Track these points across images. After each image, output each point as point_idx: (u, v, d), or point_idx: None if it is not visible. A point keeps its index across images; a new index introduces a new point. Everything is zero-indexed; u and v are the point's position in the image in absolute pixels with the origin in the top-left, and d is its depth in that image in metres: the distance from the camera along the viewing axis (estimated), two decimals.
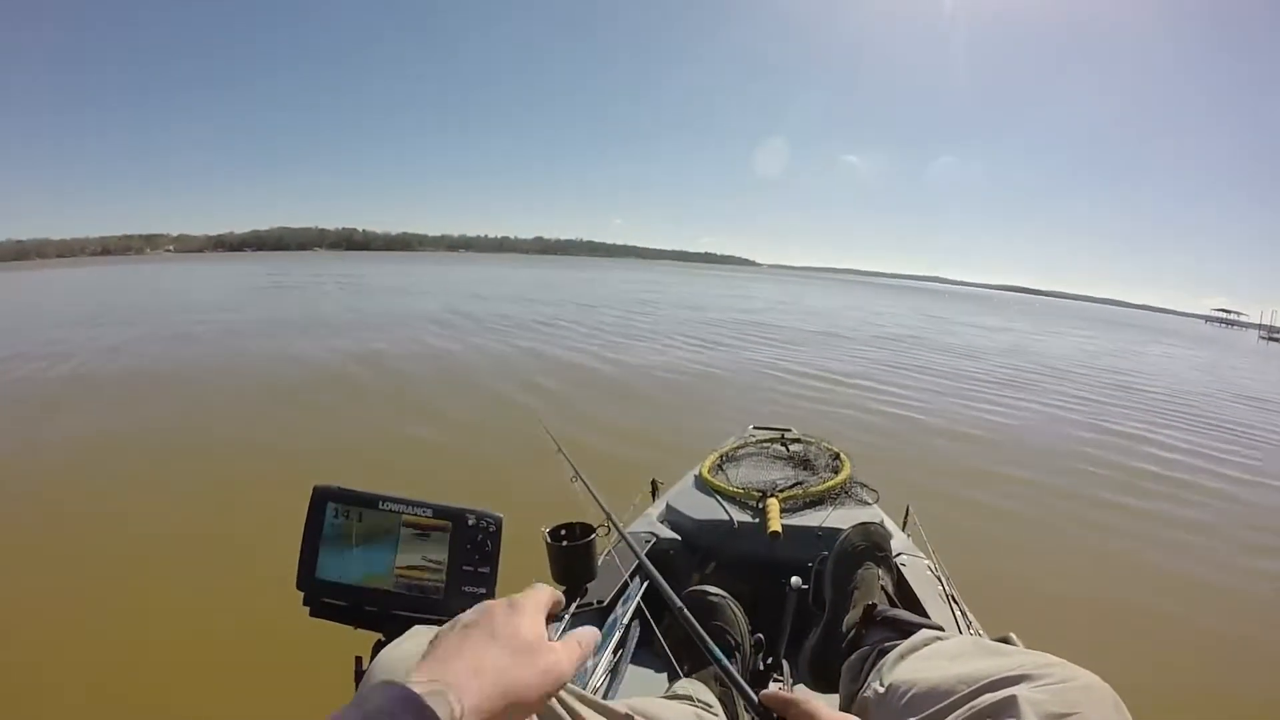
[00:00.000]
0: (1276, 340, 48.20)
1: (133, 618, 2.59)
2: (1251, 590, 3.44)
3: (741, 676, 0.75)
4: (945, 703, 0.73)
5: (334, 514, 0.75)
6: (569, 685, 0.58)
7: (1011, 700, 0.65)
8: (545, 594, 0.54)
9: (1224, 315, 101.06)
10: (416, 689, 0.40)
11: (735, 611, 1.22)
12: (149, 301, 18.28)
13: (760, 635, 1.24)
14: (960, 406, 7.45)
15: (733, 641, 1.19)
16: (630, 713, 0.72)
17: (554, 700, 0.58)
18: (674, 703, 0.86)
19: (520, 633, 0.47)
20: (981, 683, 0.71)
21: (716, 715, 0.89)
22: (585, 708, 0.64)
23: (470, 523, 0.76)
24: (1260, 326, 69.43)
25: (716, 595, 1.23)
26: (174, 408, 5.96)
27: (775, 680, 1.31)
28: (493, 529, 0.77)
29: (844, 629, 1.16)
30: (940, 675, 0.78)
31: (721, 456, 2.10)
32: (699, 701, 0.88)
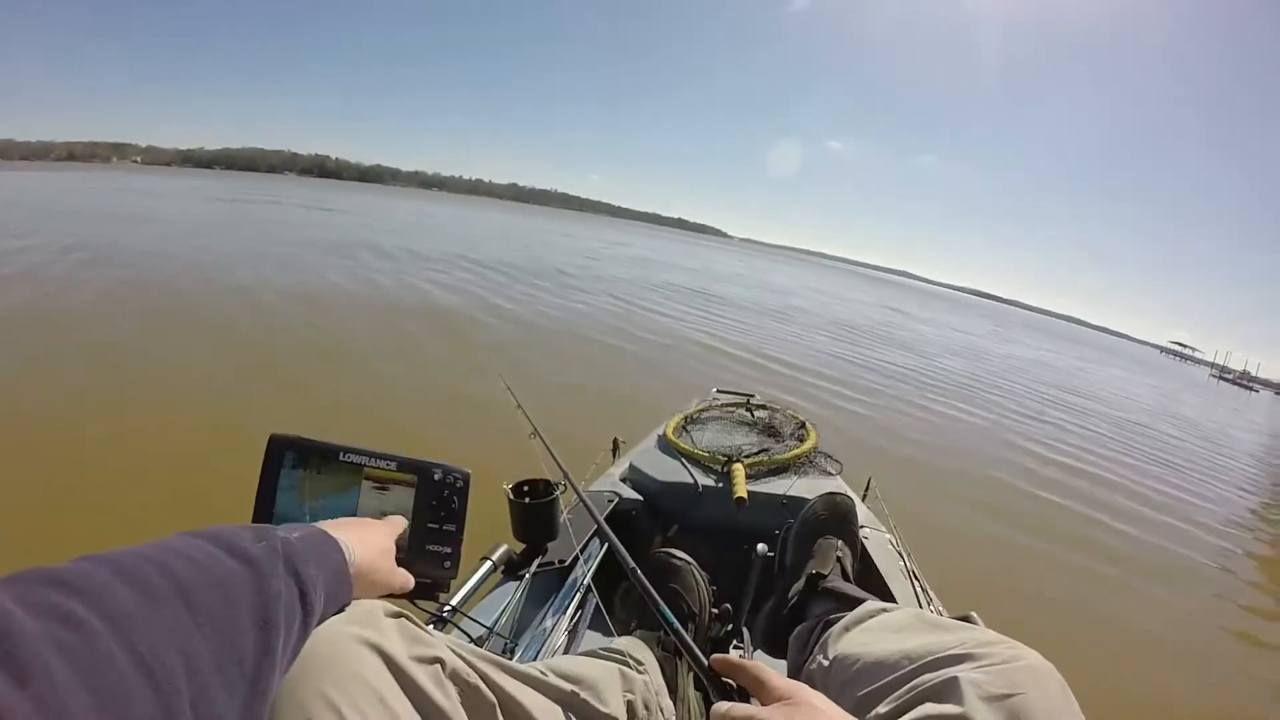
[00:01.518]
0: (1226, 380, 49.94)
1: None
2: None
3: (697, 643, 0.73)
4: (888, 679, 0.72)
5: (291, 464, 0.70)
6: (483, 650, 0.61)
7: (953, 681, 0.64)
8: (399, 522, 0.69)
9: (1180, 349, 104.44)
10: (329, 530, 0.55)
11: (697, 577, 1.19)
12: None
13: (728, 605, 1.21)
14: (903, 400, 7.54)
15: (688, 608, 1.15)
16: (545, 671, 0.68)
17: (466, 664, 0.56)
18: (595, 660, 0.82)
19: (377, 530, 0.63)
20: (923, 660, 0.70)
21: (645, 673, 0.85)
22: (498, 671, 0.60)
23: (436, 478, 0.73)
24: (1213, 365, 71.88)
25: (680, 559, 1.19)
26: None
27: (736, 648, 1.30)
28: (460, 485, 0.74)
29: (789, 597, 1.14)
30: (884, 650, 0.77)
31: (686, 419, 2.08)
32: (630, 658, 0.84)
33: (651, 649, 0.99)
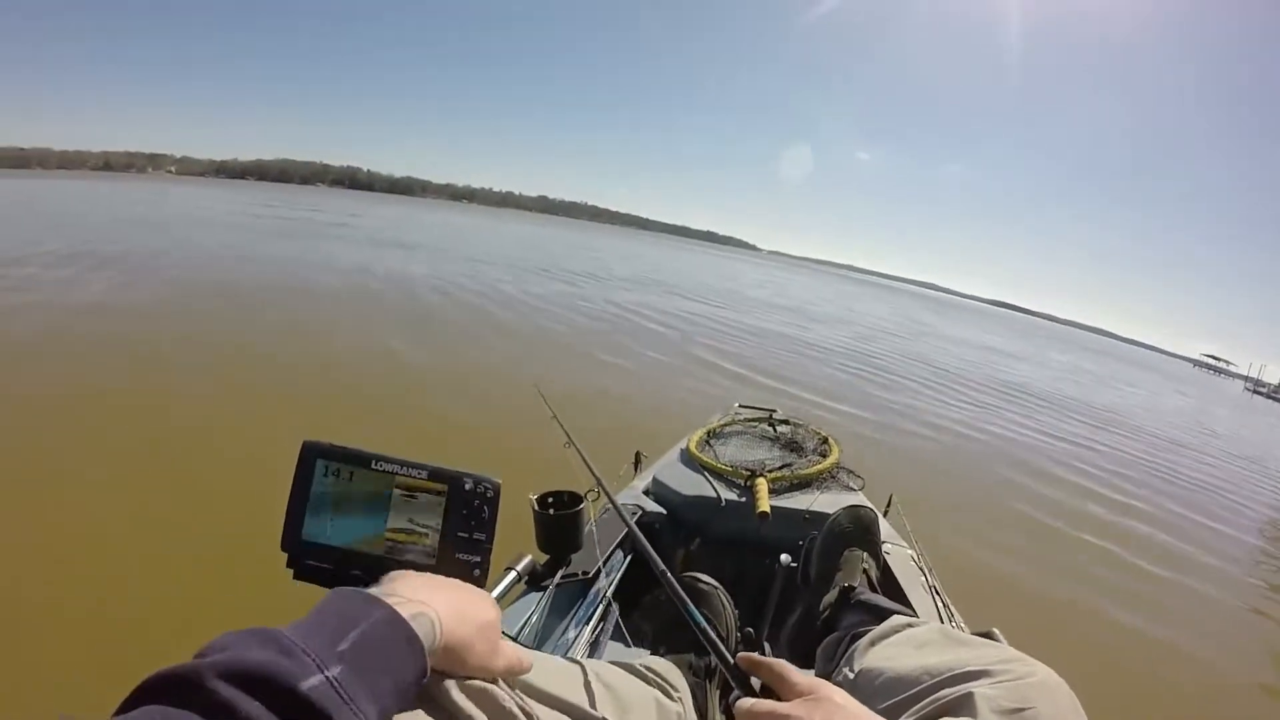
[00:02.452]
0: (1261, 394, 48.63)
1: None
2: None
3: (716, 669, 0.77)
4: (909, 693, 0.74)
5: (323, 472, 0.70)
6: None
7: (969, 697, 0.67)
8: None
9: (1212, 361, 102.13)
10: (402, 609, 0.46)
11: (724, 602, 1.19)
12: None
13: (750, 630, 1.22)
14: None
15: (718, 633, 1.16)
16: (589, 674, 0.70)
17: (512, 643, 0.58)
18: (637, 681, 0.83)
19: (471, 592, 0.58)
20: (943, 676, 0.73)
21: (680, 702, 0.86)
22: (541, 656, 0.65)
23: (467, 487, 0.73)
24: (1246, 378, 70.18)
25: (707, 584, 1.19)
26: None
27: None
28: (490, 495, 0.73)
29: (820, 609, 1.16)
30: (907, 665, 0.79)
31: (709, 433, 2.09)
32: (667, 683, 0.85)
33: (685, 675, 0.99)
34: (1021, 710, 0.64)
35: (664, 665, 0.95)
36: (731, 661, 0.67)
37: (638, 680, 0.82)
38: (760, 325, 12.75)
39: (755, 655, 0.65)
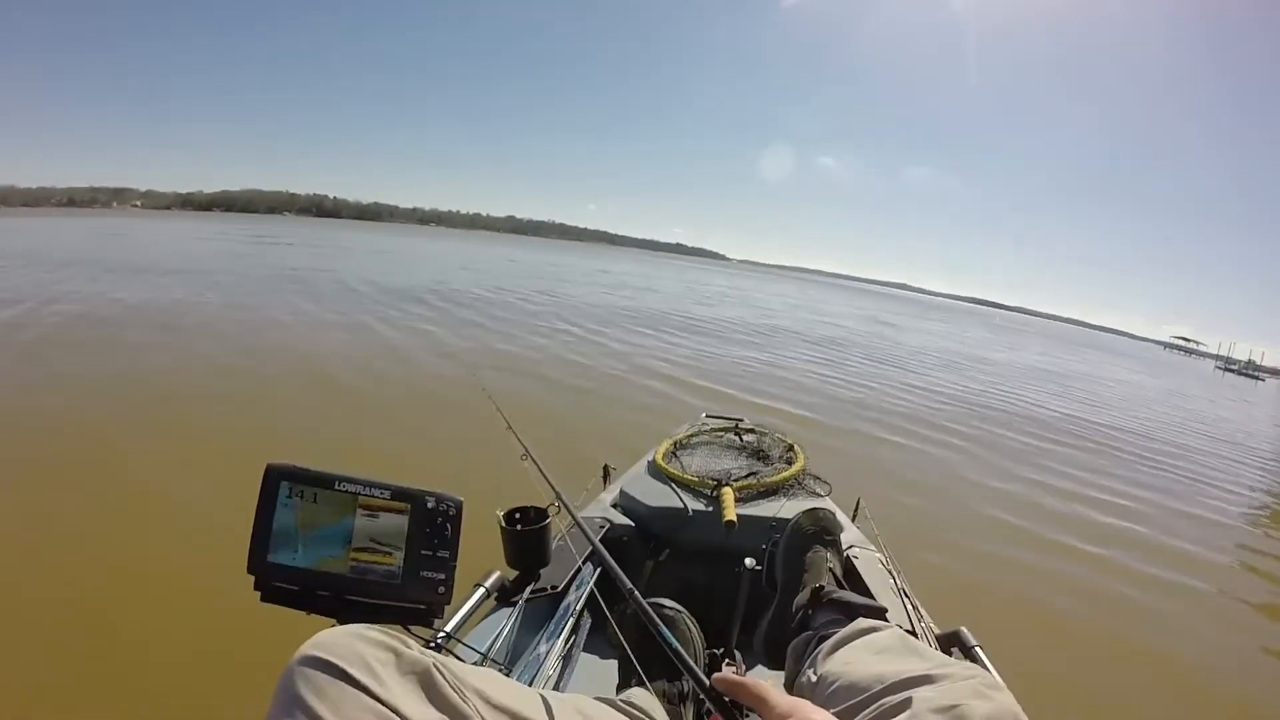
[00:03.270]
0: (1231, 371, 49.59)
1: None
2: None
3: (689, 692, 0.78)
4: (859, 698, 0.76)
5: (287, 494, 0.72)
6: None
7: (908, 700, 0.70)
8: None
9: (1183, 343, 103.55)
10: None
11: (689, 625, 1.18)
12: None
13: (717, 651, 1.24)
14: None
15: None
16: (575, 711, 0.71)
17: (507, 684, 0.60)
18: (621, 717, 0.83)
19: None
20: (891, 682, 0.75)
21: None
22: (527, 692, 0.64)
23: (430, 505, 0.75)
24: (1217, 357, 71.31)
25: (671, 609, 1.18)
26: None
27: (728, 665, 1.31)
28: (453, 512, 0.76)
29: (794, 610, 1.17)
30: (862, 671, 0.81)
31: (675, 444, 2.10)
32: (649, 716, 0.86)
33: (663, 705, 0.99)
34: (955, 707, 0.65)
35: (643, 697, 0.96)
36: (707, 684, 0.66)
37: (622, 716, 0.83)
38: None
39: (732, 676, 0.64)
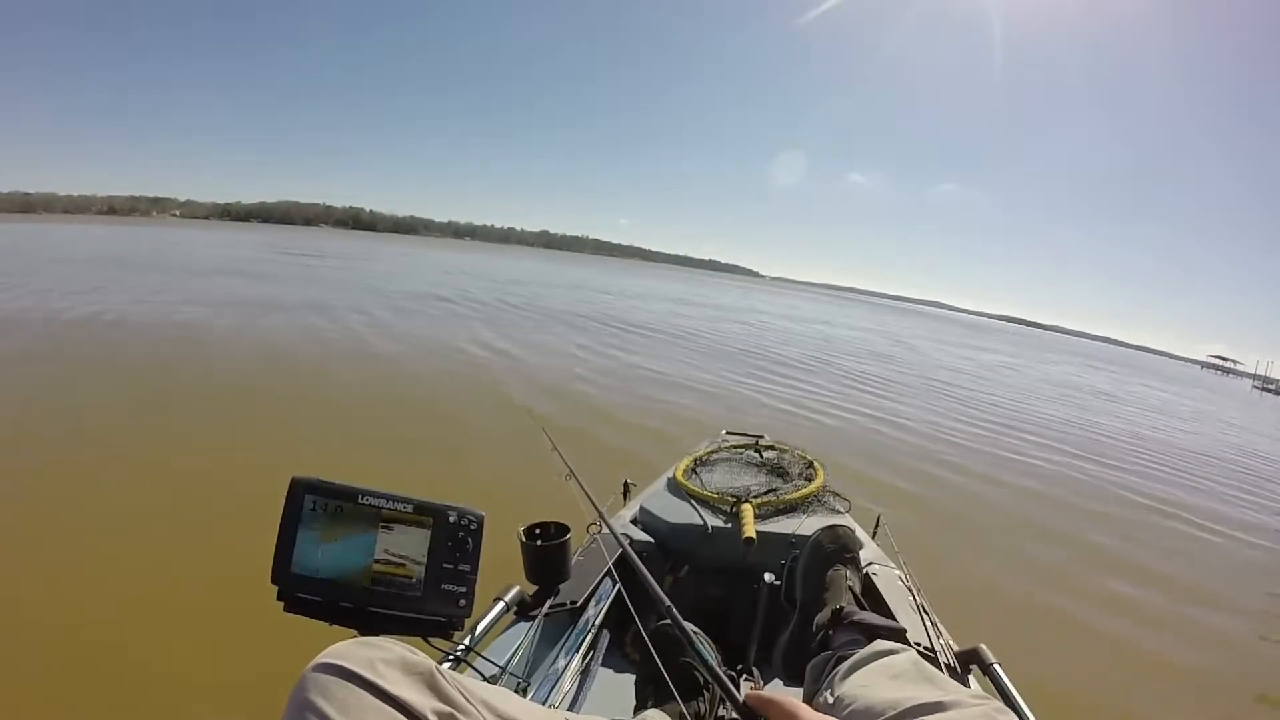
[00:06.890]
0: (1270, 391, 48.13)
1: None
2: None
3: (708, 712, 0.77)
4: None
5: (311, 506, 0.73)
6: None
7: None
8: None
9: (1220, 363, 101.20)
10: None
11: (708, 647, 1.20)
12: None
13: (734, 672, 1.24)
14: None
15: (701, 680, 1.18)
16: None
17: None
18: None
19: None
20: (903, 709, 0.75)
21: None
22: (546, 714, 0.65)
23: (451, 520, 0.76)
24: (1255, 376, 69.49)
25: (690, 628, 1.20)
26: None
27: (746, 681, 1.31)
28: (474, 527, 0.76)
29: (814, 629, 1.18)
30: (877, 696, 0.82)
31: (695, 461, 2.11)
32: None
33: None
34: None
35: (656, 716, 0.97)
36: (741, 701, 0.66)
37: None
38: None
39: (765, 693, 0.64)
